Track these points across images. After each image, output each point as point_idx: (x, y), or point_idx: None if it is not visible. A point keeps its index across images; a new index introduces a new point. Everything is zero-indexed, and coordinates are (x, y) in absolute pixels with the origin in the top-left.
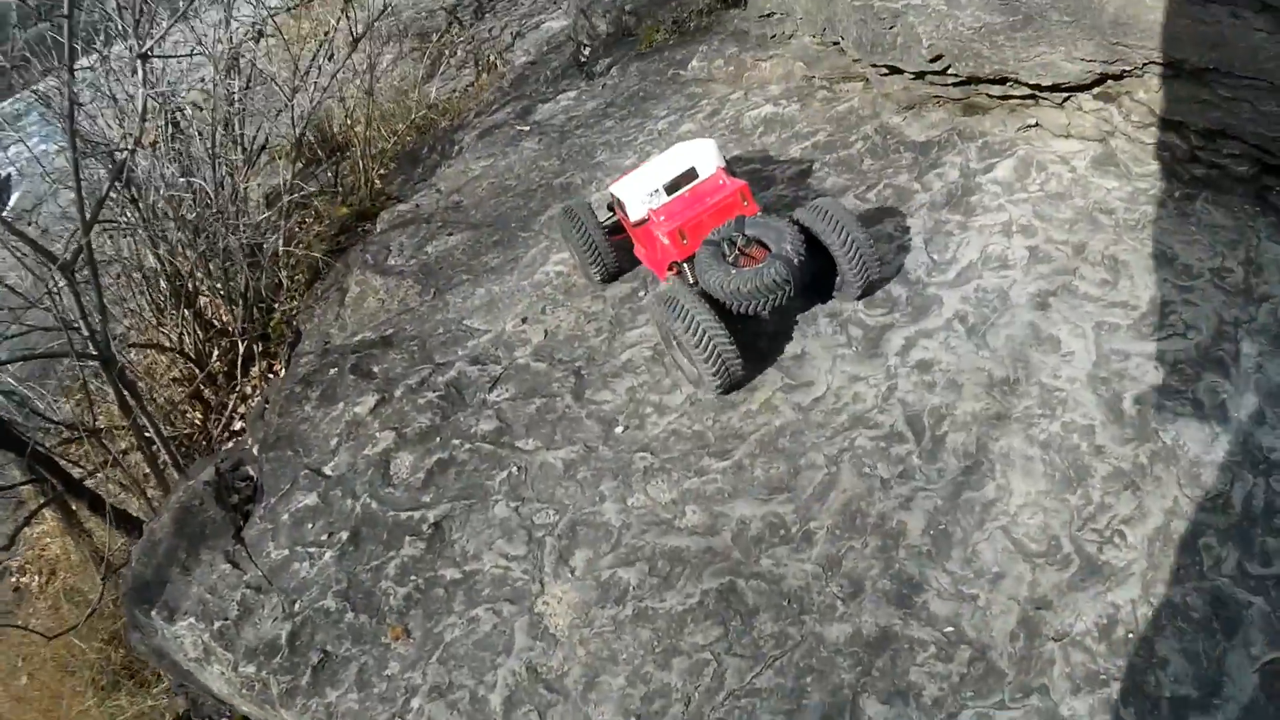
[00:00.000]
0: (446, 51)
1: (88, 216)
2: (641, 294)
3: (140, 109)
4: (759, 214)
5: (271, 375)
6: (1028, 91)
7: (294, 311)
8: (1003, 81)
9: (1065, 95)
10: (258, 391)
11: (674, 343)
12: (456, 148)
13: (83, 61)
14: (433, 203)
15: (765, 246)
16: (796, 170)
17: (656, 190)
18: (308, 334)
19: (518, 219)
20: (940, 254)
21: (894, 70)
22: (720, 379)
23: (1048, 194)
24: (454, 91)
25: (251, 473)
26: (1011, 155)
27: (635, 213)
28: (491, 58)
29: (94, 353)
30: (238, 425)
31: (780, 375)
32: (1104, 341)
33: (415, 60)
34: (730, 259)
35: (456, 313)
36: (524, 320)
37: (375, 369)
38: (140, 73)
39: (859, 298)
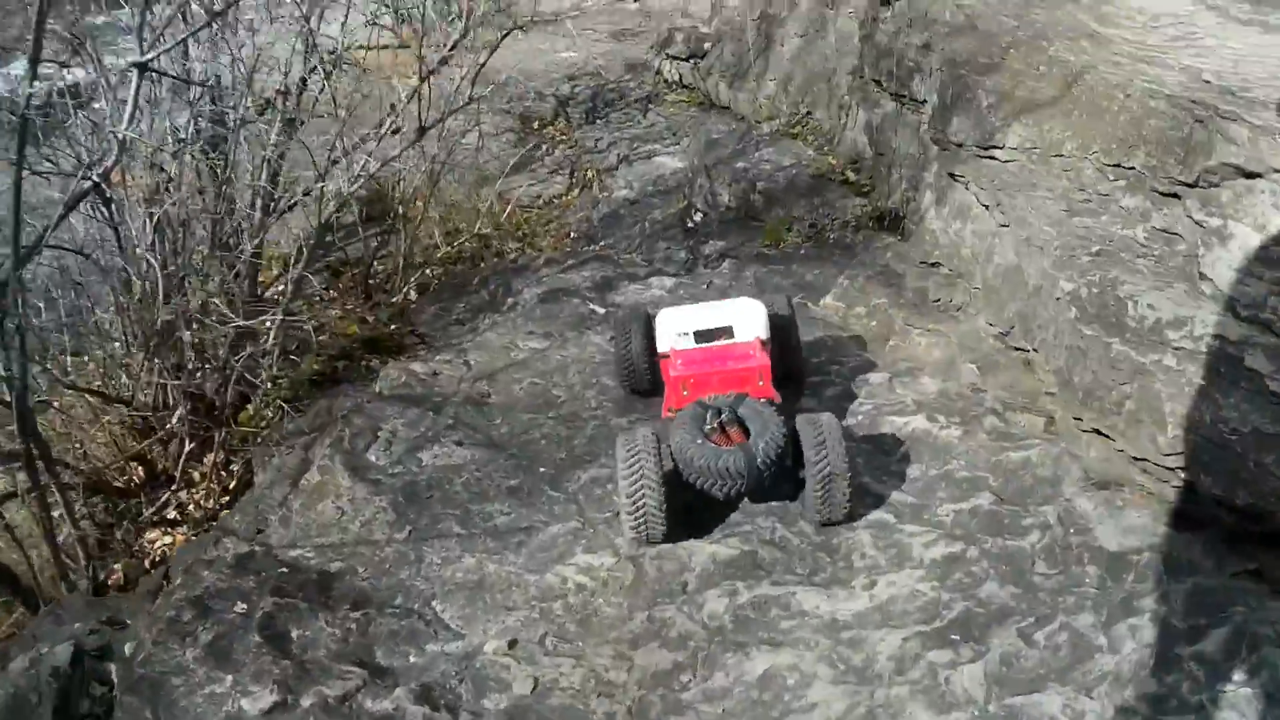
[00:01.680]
0: (545, 147)
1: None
2: (686, 677)
3: (118, 142)
4: (764, 401)
5: (224, 474)
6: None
7: (263, 425)
8: (1248, 512)
9: None
10: (205, 482)
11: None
12: (510, 300)
13: None
14: (454, 380)
15: (746, 434)
16: (944, 552)
17: (687, 334)
18: (244, 504)
19: (551, 462)
20: None
21: (1100, 434)
22: (638, 535)
23: (1267, 693)
24: (538, 198)
25: (114, 677)
26: (1225, 621)
27: (661, 344)
28: (590, 174)
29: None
30: (171, 514)
31: None
32: None
33: (509, 142)
34: (706, 429)
35: (428, 582)
36: (511, 645)
37: (293, 635)
38: (134, 87)
39: (817, 524)
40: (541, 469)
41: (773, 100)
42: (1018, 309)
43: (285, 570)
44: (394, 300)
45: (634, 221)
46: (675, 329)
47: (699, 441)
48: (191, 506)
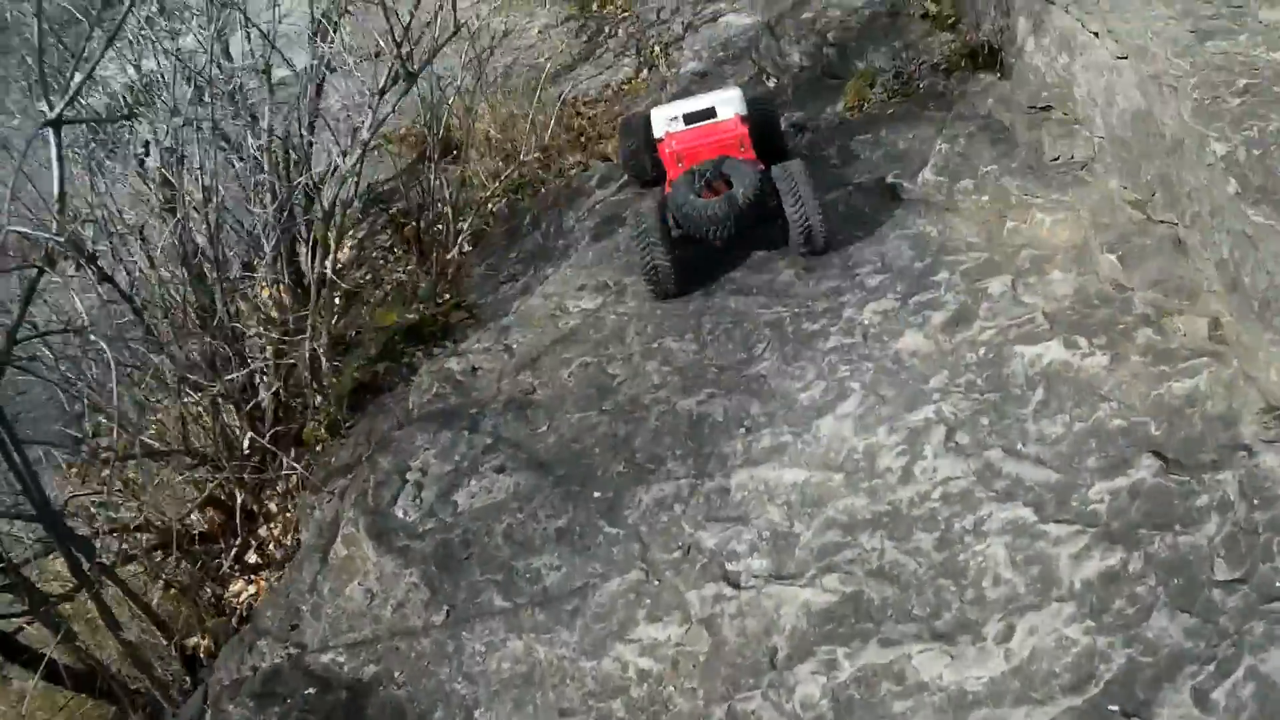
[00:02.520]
0: (608, 29)
1: None
2: None
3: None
4: (742, 160)
5: (300, 495)
6: None
7: (316, 446)
8: None
9: None
10: (281, 513)
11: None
12: (562, 242)
13: None
14: (494, 375)
15: (730, 185)
16: (1099, 567)
17: (676, 118)
18: (278, 592)
19: (608, 481)
20: None
21: None
22: (651, 286)
23: None
24: (605, 88)
25: None
26: None
27: (657, 131)
28: (656, 49)
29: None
30: (252, 558)
31: None
32: None
33: (570, 31)
34: (696, 188)
35: (470, 683)
36: None
37: None
38: (53, 148)
39: (802, 254)
40: (596, 494)
41: None
42: (1156, 170)
43: (314, 690)
44: (448, 256)
45: None
46: (666, 116)
47: (691, 198)
48: (271, 545)
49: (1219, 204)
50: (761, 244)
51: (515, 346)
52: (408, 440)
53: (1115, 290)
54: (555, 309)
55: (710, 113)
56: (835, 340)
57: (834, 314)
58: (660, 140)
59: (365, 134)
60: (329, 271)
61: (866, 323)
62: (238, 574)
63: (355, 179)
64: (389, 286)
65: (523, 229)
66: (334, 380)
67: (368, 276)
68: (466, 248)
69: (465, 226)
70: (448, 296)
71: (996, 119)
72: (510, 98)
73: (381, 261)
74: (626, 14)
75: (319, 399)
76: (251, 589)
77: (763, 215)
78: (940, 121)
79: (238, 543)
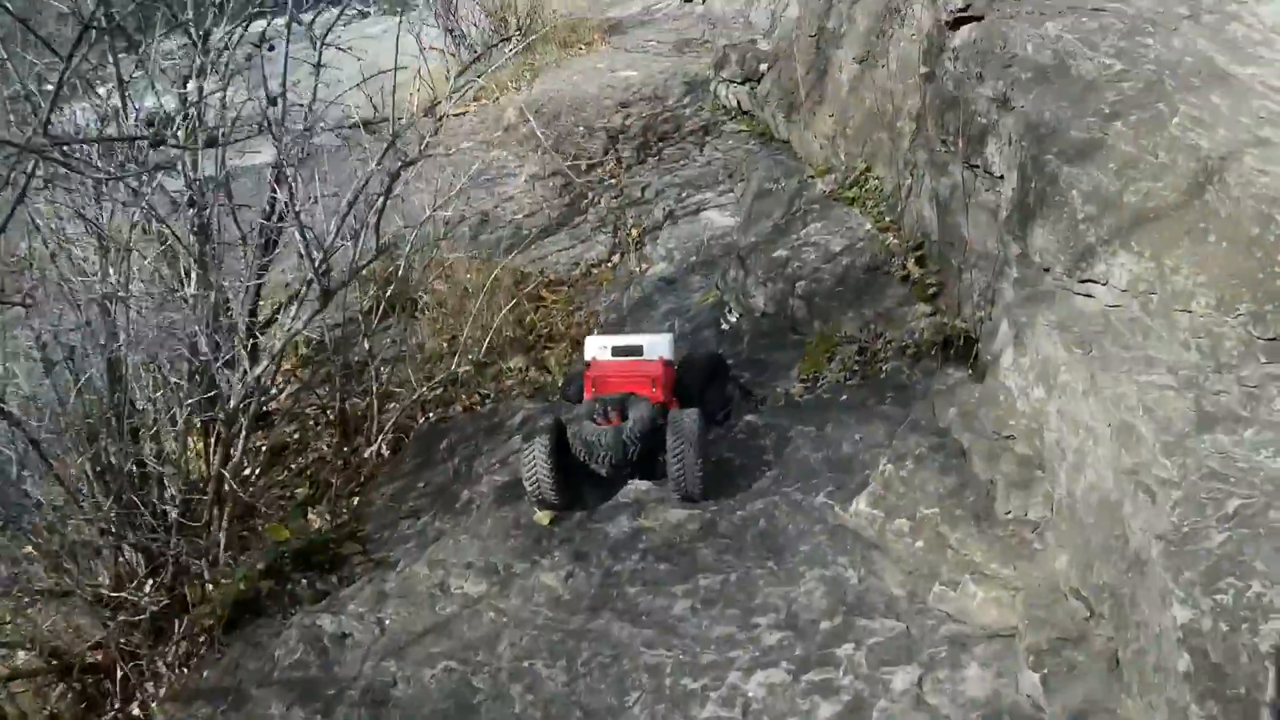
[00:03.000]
0: (591, 195)
1: None
2: None
3: None
4: (648, 400)
5: (185, 669)
6: None
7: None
8: None
9: None
10: (169, 672)
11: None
12: (466, 494)
13: None
14: (360, 651)
15: (625, 419)
16: None
17: (606, 348)
18: None
19: None
20: None
21: None
22: (531, 493)
23: None
24: (575, 265)
25: None
26: None
27: (587, 354)
28: (634, 232)
29: None
30: (135, 710)
31: None
32: None
33: (554, 189)
34: (594, 414)
35: None
36: None
37: None
38: None
39: (677, 499)
40: None
41: (831, 142)
42: (1110, 577)
43: None
44: (365, 455)
45: (665, 314)
46: (599, 345)
47: (586, 422)
48: (155, 705)
49: (1165, 662)
50: (648, 477)
51: (388, 623)
52: (262, 706)
53: (1031, 709)
54: (437, 586)
55: (637, 350)
56: (711, 711)
57: (719, 674)
58: (588, 365)
59: (277, 343)
60: (227, 475)
61: (750, 695)
62: None
63: (258, 389)
64: (313, 455)
65: (438, 454)
66: (219, 586)
67: (295, 435)
68: (385, 451)
69: (389, 425)
70: (349, 512)
71: (955, 439)
72: (474, 263)
73: (312, 423)
74: (615, 180)
75: (209, 589)
76: None
77: (651, 454)
78: (893, 422)
79: (119, 698)
